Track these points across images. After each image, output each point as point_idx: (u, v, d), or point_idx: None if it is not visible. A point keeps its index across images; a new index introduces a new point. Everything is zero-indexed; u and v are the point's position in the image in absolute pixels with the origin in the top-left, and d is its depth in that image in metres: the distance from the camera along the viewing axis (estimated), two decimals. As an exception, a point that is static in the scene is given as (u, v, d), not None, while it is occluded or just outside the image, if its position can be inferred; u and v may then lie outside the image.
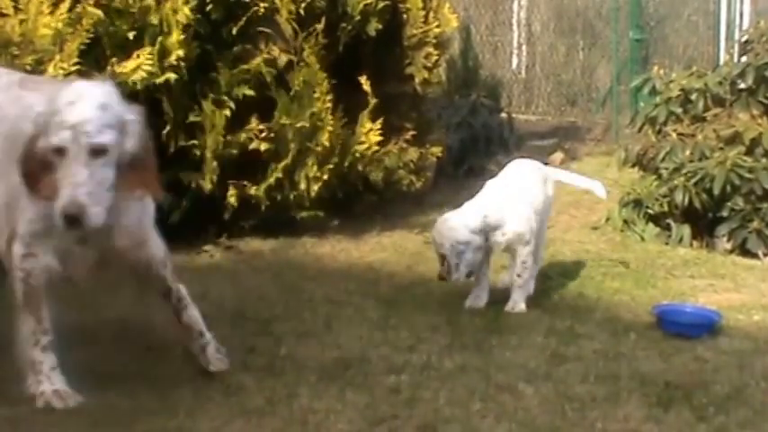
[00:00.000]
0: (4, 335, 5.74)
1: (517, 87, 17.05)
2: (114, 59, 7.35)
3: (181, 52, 7.54)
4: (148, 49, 7.41)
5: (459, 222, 6.53)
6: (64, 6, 7.03)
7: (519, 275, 6.58)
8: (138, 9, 7.50)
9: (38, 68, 6.95)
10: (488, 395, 4.96)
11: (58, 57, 6.99)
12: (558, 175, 7.24)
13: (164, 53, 7.52)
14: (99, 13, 7.22)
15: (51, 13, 6.98)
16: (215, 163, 7.84)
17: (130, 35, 7.46)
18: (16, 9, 6.97)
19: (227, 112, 7.85)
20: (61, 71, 6.95)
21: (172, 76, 7.55)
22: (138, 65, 7.35)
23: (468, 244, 6.47)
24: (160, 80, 7.51)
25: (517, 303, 6.53)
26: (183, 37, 7.55)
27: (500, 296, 6.62)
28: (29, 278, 4.87)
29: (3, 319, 6.04)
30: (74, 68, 7.00)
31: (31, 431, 4.52)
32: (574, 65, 17.00)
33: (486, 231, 6.53)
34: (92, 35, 7.20)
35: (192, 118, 7.83)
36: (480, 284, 6.65)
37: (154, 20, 7.53)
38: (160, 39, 7.51)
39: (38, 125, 4.59)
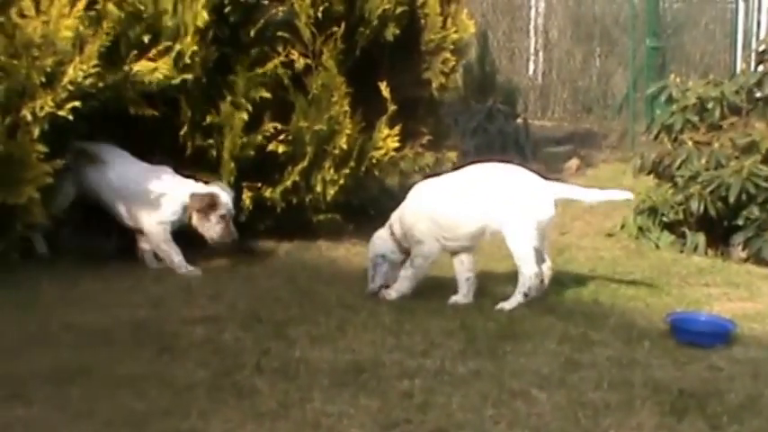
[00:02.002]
0: (18, 336, 5.80)
1: (533, 93, 17.08)
2: (130, 57, 7.37)
3: (195, 48, 7.56)
4: (166, 57, 7.44)
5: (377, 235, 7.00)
6: (81, 4, 7.05)
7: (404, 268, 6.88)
8: (154, 13, 7.54)
9: (58, 70, 6.98)
10: (501, 401, 4.96)
11: (77, 59, 7.01)
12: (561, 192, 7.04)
13: (179, 55, 7.54)
14: (118, 12, 7.25)
15: (69, 13, 7.00)
16: (232, 164, 7.87)
17: (146, 38, 7.49)
18: (38, 11, 6.99)
19: (245, 115, 7.87)
20: (81, 73, 6.98)
21: (188, 76, 7.58)
22: (156, 67, 7.39)
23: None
24: (176, 81, 7.53)
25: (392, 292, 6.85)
26: (197, 38, 7.57)
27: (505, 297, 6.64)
28: None
29: (15, 321, 6.10)
30: (93, 70, 7.03)
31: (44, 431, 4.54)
32: (590, 72, 17.03)
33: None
34: (112, 39, 7.23)
35: (209, 119, 7.85)
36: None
37: (169, 23, 7.55)
38: (177, 42, 7.54)
39: None
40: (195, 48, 7.57)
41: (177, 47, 7.53)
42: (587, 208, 9.12)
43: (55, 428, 4.56)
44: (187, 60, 7.55)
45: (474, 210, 6.78)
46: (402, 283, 6.83)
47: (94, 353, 5.52)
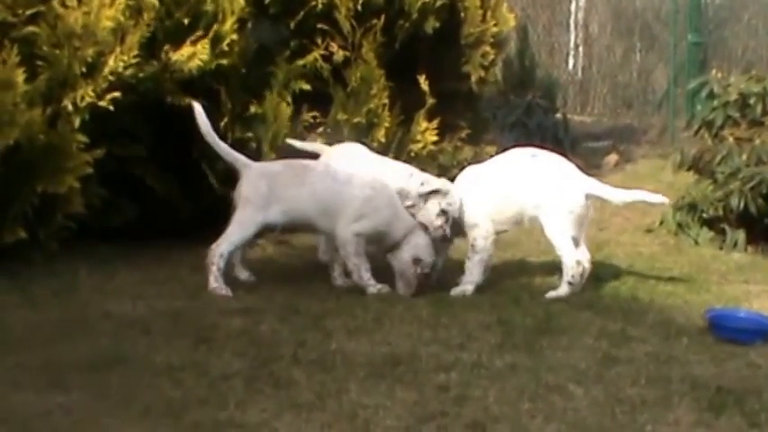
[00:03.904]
0: (57, 325, 5.83)
1: (573, 88, 16.99)
2: (168, 46, 7.39)
3: (234, 37, 7.56)
4: (205, 40, 7.44)
5: None
6: (121, -5, 7.11)
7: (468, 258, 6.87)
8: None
9: (98, 60, 7.01)
10: (538, 395, 4.95)
11: (118, 49, 7.04)
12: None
13: (217, 40, 7.54)
14: (154, 1, 7.27)
15: (110, 3, 7.03)
16: (273, 156, 7.88)
17: (185, 21, 7.49)
18: (79, 1, 7.03)
19: (286, 106, 7.88)
20: (121, 63, 7.01)
21: (224, 62, 7.57)
22: (194, 53, 7.39)
23: None
24: (212, 65, 7.52)
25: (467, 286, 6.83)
26: (236, 25, 7.57)
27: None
28: None
29: (54, 310, 6.13)
30: (134, 61, 7.05)
31: (83, 419, 4.55)
32: (630, 67, 16.93)
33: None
34: (152, 30, 7.25)
35: (250, 110, 7.87)
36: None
37: (209, 8, 7.55)
38: (215, 26, 7.54)
39: None
40: (234, 36, 7.55)
41: (215, 30, 7.51)
42: (626, 204, 9.07)
43: (94, 416, 4.58)
44: (225, 47, 7.55)
45: (513, 194, 6.79)
46: (472, 272, 6.81)
47: (132, 342, 5.54)
